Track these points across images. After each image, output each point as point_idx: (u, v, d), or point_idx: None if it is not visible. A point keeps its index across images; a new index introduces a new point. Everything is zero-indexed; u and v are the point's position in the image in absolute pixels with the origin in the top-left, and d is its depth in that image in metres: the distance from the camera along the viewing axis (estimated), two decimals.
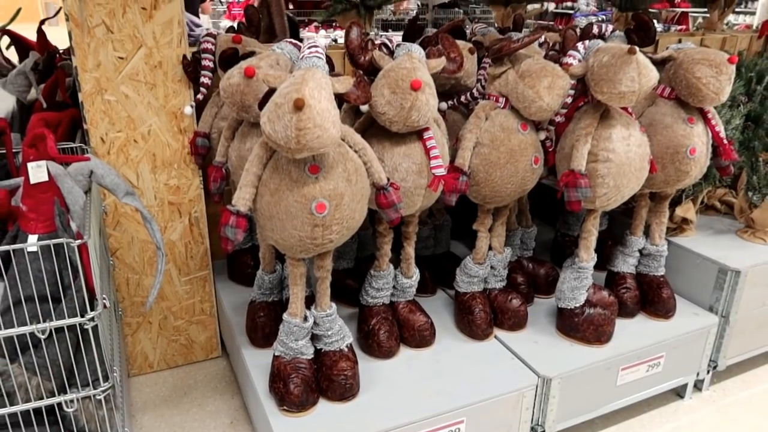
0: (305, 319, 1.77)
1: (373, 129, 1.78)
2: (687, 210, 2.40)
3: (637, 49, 1.71)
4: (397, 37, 2.41)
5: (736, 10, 8.91)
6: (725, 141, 2.05)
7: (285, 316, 1.76)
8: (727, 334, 2.32)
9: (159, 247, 1.71)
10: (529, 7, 3.15)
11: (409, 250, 2.00)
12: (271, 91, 1.48)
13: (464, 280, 2.12)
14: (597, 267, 2.32)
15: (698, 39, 3.40)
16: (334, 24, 6.86)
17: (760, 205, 2.36)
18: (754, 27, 6.14)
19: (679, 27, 5.97)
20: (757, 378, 2.52)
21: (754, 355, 2.51)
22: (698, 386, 2.43)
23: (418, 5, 8.09)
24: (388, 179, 1.66)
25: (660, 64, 2.04)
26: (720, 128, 2.06)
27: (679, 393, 2.40)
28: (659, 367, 2.17)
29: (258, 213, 1.59)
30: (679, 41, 3.22)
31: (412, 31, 2.35)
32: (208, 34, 2.15)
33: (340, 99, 1.56)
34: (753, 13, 10.27)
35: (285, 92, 1.38)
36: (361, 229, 2.03)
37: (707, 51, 1.93)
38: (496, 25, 2.89)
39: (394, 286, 2.03)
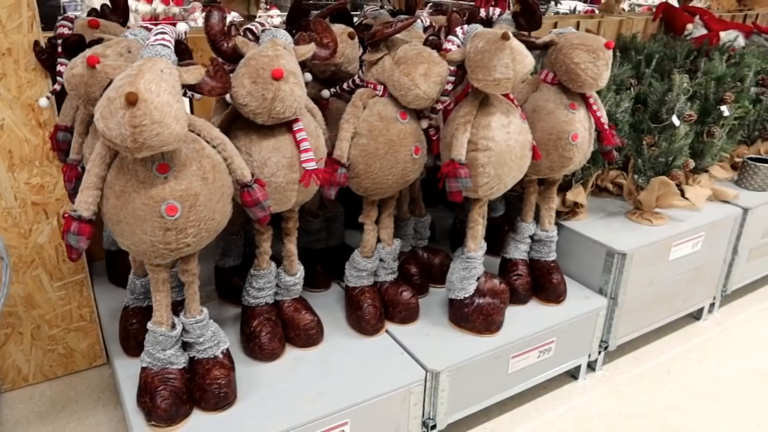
0: (173, 326, 1.65)
1: (239, 121, 1.66)
2: (578, 194, 2.41)
3: (511, 34, 1.67)
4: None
5: None
6: (606, 126, 2.06)
7: (149, 325, 1.63)
8: (617, 315, 2.36)
9: (1, 256, 1.54)
10: None
11: (290, 246, 1.90)
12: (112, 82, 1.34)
13: (353, 274, 2.05)
14: (494, 253, 2.32)
15: (596, 22, 3.44)
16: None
17: (645, 188, 2.40)
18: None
19: (586, 10, 6.08)
20: (648, 355, 2.60)
21: (644, 333, 2.58)
22: (592, 366, 2.47)
23: None
24: (253, 175, 1.56)
25: (543, 48, 2.02)
26: (602, 113, 2.06)
27: (573, 375, 2.43)
28: (550, 352, 2.19)
29: (105, 217, 1.45)
30: (578, 25, 3.24)
31: (297, 14, 2.22)
32: (64, 18, 1.95)
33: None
34: None
35: (118, 85, 1.25)
36: (248, 223, 1.92)
37: (585, 36, 1.92)
38: (385, 7, 2.80)
39: (277, 285, 1.94)
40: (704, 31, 3.58)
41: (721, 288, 2.78)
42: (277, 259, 1.94)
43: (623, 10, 4.60)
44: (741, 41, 3.40)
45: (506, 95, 1.89)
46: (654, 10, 3.78)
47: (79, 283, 2.24)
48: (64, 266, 2.20)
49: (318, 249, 2.31)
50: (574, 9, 6.12)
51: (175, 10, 6.15)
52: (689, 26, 3.60)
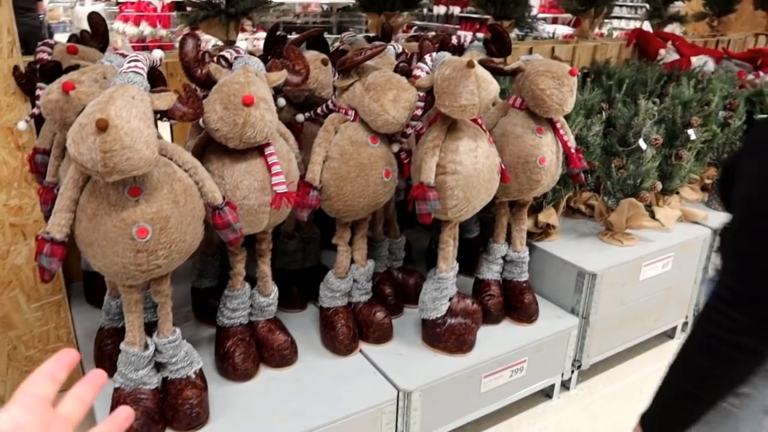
0: (145, 347, 1.67)
1: (212, 145, 1.70)
2: (549, 215, 2.47)
3: (476, 62, 1.73)
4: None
5: (623, 16, 9.40)
6: (573, 150, 2.12)
7: (122, 345, 1.66)
8: (589, 335, 2.40)
9: None
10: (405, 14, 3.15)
11: (264, 268, 1.93)
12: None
13: (327, 295, 2.08)
14: (468, 273, 2.36)
15: (571, 47, 3.53)
16: None
17: (615, 209, 2.46)
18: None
19: (564, 34, 6.23)
20: (621, 374, 2.64)
21: (617, 352, 2.62)
22: (566, 385, 2.50)
23: (322, 8, 8.04)
24: (224, 198, 1.60)
25: (511, 75, 2.08)
26: (569, 137, 2.13)
27: (547, 393, 2.46)
28: (523, 371, 2.22)
29: (77, 239, 1.48)
30: (552, 51, 3.32)
31: (273, 41, 2.28)
32: (43, 43, 2.00)
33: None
34: (639, 20, 10.90)
35: (89, 112, 1.29)
36: (224, 244, 1.95)
37: (551, 63, 1.99)
38: (363, 31, 2.87)
39: (252, 305, 1.97)
40: (676, 56, 3.68)
41: (693, 307, 2.83)
42: (252, 279, 1.97)
43: (602, 34, 4.71)
44: (711, 66, 3.50)
45: (474, 120, 1.94)
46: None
47: (56, 304, 2.26)
48: (42, 287, 2.22)
49: (294, 270, 2.34)
50: (554, 33, 6.26)
51: (163, 32, 6.24)
52: (662, 51, 3.71)
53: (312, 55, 2.00)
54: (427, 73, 1.88)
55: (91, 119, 1.26)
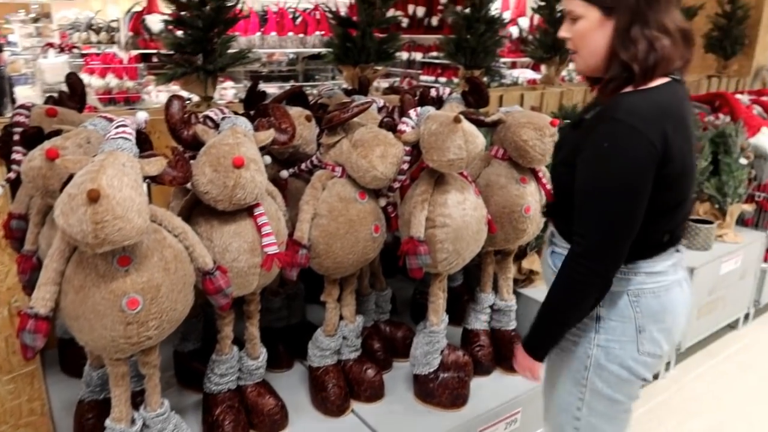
0: (132, 422, 1.59)
1: (200, 207, 1.67)
2: (532, 262, 2.48)
3: (462, 117, 1.76)
4: (271, 88, 2.33)
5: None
6: None
7: (108, 422, 1.57)
8: None
9: None
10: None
11: (253, 330, 1.88)
12: (72, 177, 1.34)
13: (316, 354, 2.03)
14: (454, 322, 2.34)
15: (539, 93, 3.63)
16: None
17: None
18: None
19: (528, 79, 6.43)
20: None
21: None
22: None
23: (288, 57, 8.11)
24: (215, 262, 1.56)
25: (492, 126, 2.12)
26: (551, 186, 2.16)
27: None
28: (517, 422, 2.19)
29: (62, 313, 1.42)
30: (522, 98, 3.41)
31: (254, 97, 2.29)
32: (20, 106, 1.95)
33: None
34: None
35: (79, 182, 1.25)
36: (208, 305, 1.90)
37: (531, 115, 2.03)
38: (342, 84, 2.90)
39: (240, 369, 1.90)
40: None
41: (675, 347, 2.86)
42: (238, 340, 1.91)
43: (563, 79, 4.85)
44: None
45: (460, 172, 1.96)
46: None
47: (29, 375, 2.15)
48: (14, 358, 2.11)
49: (279, 327, 2.28)
50: (518, 79, 6.45)
51: (129, 84, 6.19)
52: None
53: (296, 112, 2.00)
54: (413, 127, 1.90)
55: (81, 189, 1.23)
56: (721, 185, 3.12)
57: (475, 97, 2.30)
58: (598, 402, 1.52)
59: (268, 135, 1.70)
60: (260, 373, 1.93)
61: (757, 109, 3.72)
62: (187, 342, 2.12)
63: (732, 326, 3.29)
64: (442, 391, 2.03)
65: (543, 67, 7.69)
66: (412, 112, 1.93)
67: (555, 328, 1.45)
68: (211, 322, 2.16)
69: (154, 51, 6.62)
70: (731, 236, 3.08)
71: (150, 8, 6.49)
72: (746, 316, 3.34)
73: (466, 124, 1.76)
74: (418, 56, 9.45)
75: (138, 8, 6.88)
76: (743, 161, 3.13)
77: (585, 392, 1.51)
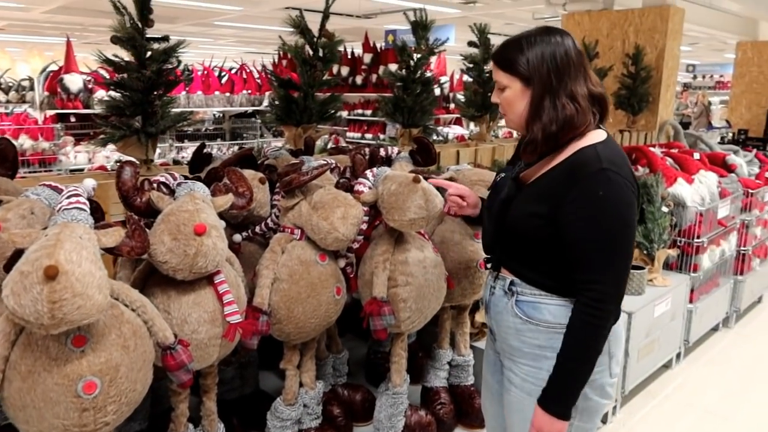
0: None
1: (155, 277, 1.58)
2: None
3: (421, 178, 1.78)
4: (191, 148, 2.27)
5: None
6: None
7: None
8: None
9: None
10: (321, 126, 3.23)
11: (210, 405, 1.77)
12: (20, 252, 1.24)
13: (276, 425, 1.94)
14: (411, 381, 2.30)
15: (473, 150, 3.77)
16: None
17: None
18: (514, 135, 7.11)
19: (456, 135, 6.69)
20: None
21: None
22: None
23: (214, 115, 8.04)
24: (176, 336, 1.47)
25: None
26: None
27: None
28: None
29: (5, 403, 1.28)
30: (458, 154, 3.51)
31: (200, 159, 2.23)
32: None
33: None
34: None
35: (33, 258, 1.16)
36: (155, 380, 1.77)
37: (481, 172, 2.10)
38: (287, 145, 2.89)
39: None
40: None
41: (620, 390, 2.95)
42: (192, 418, 1.79)
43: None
44: None
45: (418, 231, 1.98)
46: (515, 135, 4.22)
47: None
48: None
49: (232, 399, 2.16)
50: (447, 136, 6.67)
51: (45, 145, 5.89)
52: None
53: (249, 175, 1.96)
54: (370, 188, 1.90)
55: (36, 266, 1.13)
56: (648, 232, 3.31)
57: (423, 156, 2.35)
58: None
59: (227, 200, 1.66)
60: None
61: (669, 161, 4.02)
62: (132, 423, 1.96)
63: (666, 366, 3.44)
64: None
65: (465, 123, 8.00)
66: (368, 173, 1.94)
67: (581, 381, 1.40)
68: (158, 398, 2.02)
69: (72, 111, 6.39)
70: (660, 280, 3.26)
71: (68, 68, 6.29)
72: (678, 356, 3.51)
73: (425, 184, 1.79)
74: (344, 114, 9.61)
75: (54, 67, 6.64)
76: (665, 209, 3.35)
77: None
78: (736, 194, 3.97)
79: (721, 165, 4.39)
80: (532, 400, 1.46)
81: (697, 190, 3.63)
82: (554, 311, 1.43)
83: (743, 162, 4.53)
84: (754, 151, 5.15)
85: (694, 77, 19.03)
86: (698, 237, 3.47)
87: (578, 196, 1.34)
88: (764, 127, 9.00)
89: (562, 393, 1.40)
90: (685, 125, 8.63)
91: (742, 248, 4.07)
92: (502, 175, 1.58)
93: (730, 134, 9.44)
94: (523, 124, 1.44)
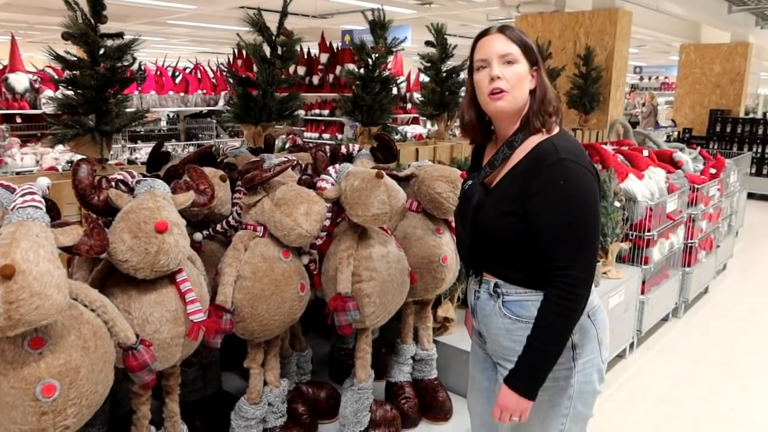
0: None
1: (115, 276, 1.55)
2: (447, 310, 2.55)
3: (384, 173, 1.80)
4: (145, 149, 2.23)
5: None
6: None
7: None
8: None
9: None
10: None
11: (173, 406, 1.74)
12: None
13: (240, 425, 1.92)
14: (375, 376, 2.31)
15: (431, 148, 3.81)
16: None
17: None
18: None
19: (414, 133, 6.74)
20: None
21: None
22: None
23: (168, 116, 7.88)
24: (137, 336, 1.44)
25: (404, 180, 2.19)
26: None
27: None
28: None
29: None
30: (417, 152, 3.55)
31: (157, 158, 2.19)
32: None
33: None
34: None
35: None
36: (114, 383, 1.74)
37: (443, 169, 2.13)
38: (246, 143, 2.86)
39: None
40: None
41: None
42: (152, 419, 1.75)
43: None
44: None
45: (381, 226, 1.99)
46: None
47: None
48: None
49: (194, 401, 2.13)
50: (406, 134, 6.71)
51: None
52: None
53: (210, 172, 1.94)
54: (332, 184, 1.91)
55: None
56: (601, 226, 3.42)
57: (384, 153, 2.36)
58: (576, 425, 1.54)
59: (188, 197, 1.63)
60: None
61: (620, 158, 4.16)
62: (91, 428, 1.90)
63: (620, 356, 3.56)
64: None
65: (422, 123, 8.08)
66: (330, 169, 1.94)
67: (551, 363, 1.42)
68: (117, 402, 1.98)
69: (18, 111, 6.16)
70: (614, 272, 3.37)
71: (13, 67, 6.07)
72: (631, 345, 3.63)
73: (388, 179, 1.80)
74: (300, 113, 9.56)
75: None
76: (617, 204, 3.46)
77: (566, 421, 1.52)
78: (683, 189, 4.14)
79: (668, 162, 4.57)
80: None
81: (647, 186, 3.76)
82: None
83: (689, 159, 4.72)
84: (698, 148, 5.38)
85: (641, 78, 19.70)
86: (649, 230, 3.61)
87: (540, 188, 1.38)
88: (707, 126, 9.40)
89: (531, 373, 1.42)
90: (633, 125, 8.94)
91: (689, 241, 4.24)
92: (469, 182, 1.61)
93: (676, 133, 9.82)
94: (521, 104, 1.46)
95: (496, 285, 1.51)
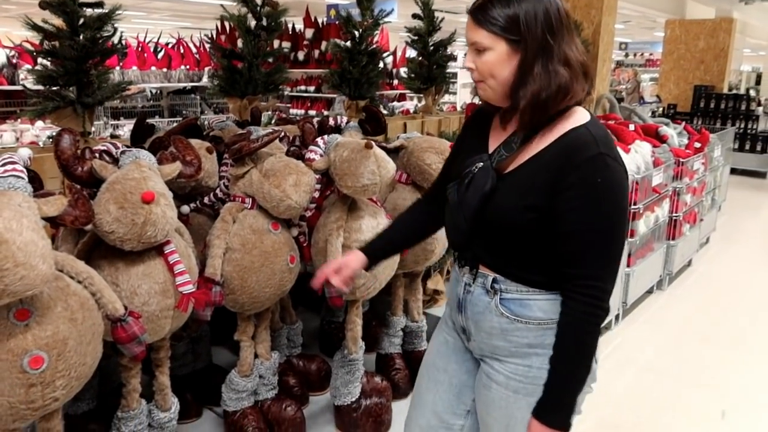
0: None
1: (101, 249, 1.52)
2: (437, 282, 2.55)
3: (374, 143, 1.78)
4: (128, 126, 2.20)
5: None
6: None
7: None
8: None
9: None
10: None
11: (163, 379, 1.73)
12: None
13: (232, 397, 1.92)
14: (366, 349, 2.32)
15: (419, 122, 3.79)
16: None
17: None
18: (458, 108, 7.19)
19: (402, 108, 6.70)
20: None
21: None
22: None
23: (151, 92, 7.73)
24: (126, 308, 1.42)
25: (393, 152, 2.17)
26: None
27: None
28: None
29: None
30: (405, 126, 3.53)
31: (141, 131, 2.15)
32: None
33: None
34: (455, 93, 12.12)
35: None
36: (103, 358, 1.72)
37: (432, 140, 2.11)
38: (231, 116, 2.82)
39: (150, 424, 1.74)
40: None
41: None
42: (145, 394, 1.75)
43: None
44: None
45: (370, 197, 1.98)
46: (458, 108, 4.27)
47: None
48: None
49: (185, 374, 2.12)
50: (393, 109, 6.67)
51: None
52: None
53: (196, 144, 1.90)
54: (321, 155, 1.89)
55: None
56: None
57: (372, 125, 2.33)
58: None
59: (174, 168, 1.61)
60: (173, 426, 1.78)
61: None
62: (80, 403, 1.90)
63: (607, 327, 3.61)
64: (365, 419, 2.00)
65: (409, 99, 8.00)
66: (319, 140, 1.92)
67: (580, 385, 1.25)
68: (106, 376, 1.97)
69: None
70: None
71: None
72: (616, 317, 3.68)
73: (378, 150, 1.78)
74: (286, 90, 9.44)
75: None
76: None
77: None
78: (669, 163, 4.16)
79: (654, 136, 4.58)
80: (518, 397, 1.30)
81: (633, 159, 3.77)
82: (544, 307, 1.27)
83: (674, 133, 4.74)
84: (683, 123, 5.40)
85: (626, 55, 19.70)
86: (635, 204, 3.63)
87: (574, 184, 1.19)
88: (691, 102, 9.45)
89: (562, 401, 1.25)
90: (619, 100, 8.96)
91: (674, 214, 4.28)
92: (479, 165, 1.33)
93: (660, 109, 9.86)
94: (507, 92, 1.24)
95: (494, 281, 1.32)
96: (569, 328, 1.24)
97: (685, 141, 4.90)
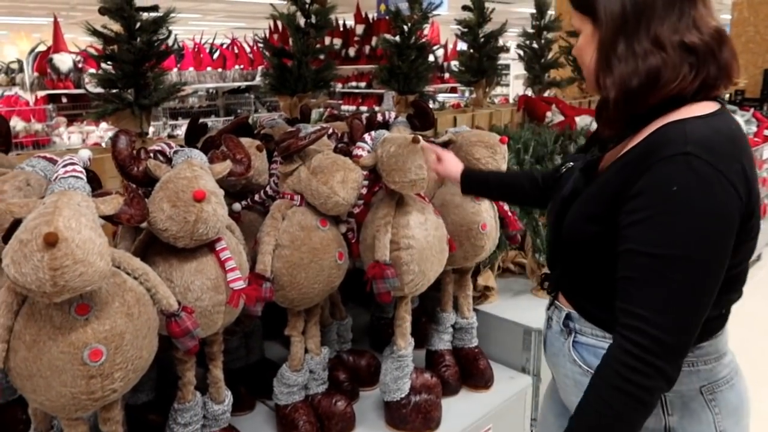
0: None
1: (156, 246, 1.57)
2: (487, 278, 2.52)
3: (421, 138, 1.76)
4: (185, 126, 2.27)
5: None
6: (509, 213, 2.20)
7: None
8: (541, 392, 2.43)
9: None
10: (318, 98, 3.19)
11: (217, 372, 1.78)
12: (18, 222, 1.22)
13: (283, 391, 1.95)
14: (415, 345, 2.31)
15: (470, 115, 3.74)
16: None
17: (546, 264, 2.56)
18: (510, 101, 7.06)
19: (452, 102, 6.64)
20: None
21: None
22: None
23: (207, 92, 7.96)
24: (180, 303, 1.46)
25: (442, 146, 2.14)
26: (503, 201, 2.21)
27: None
28: None
29: (12, 374, 1.28)
30: (455, 120, 3.49)
31: (195, 131, 2.20)
32: None
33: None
34: (507, 85, 11.91)
35: (32, 225, 1.14)
36: (161, 350, 1.78)
37: (482, 134, 2.08)
38: (282, 114, 2.86)
39: (204, 416, 1.79)
40: (561, 117, 4.01)
41: None
42: (200, 387, 1.80)
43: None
44: (594, 125, 3.84)
45: (418, 193, 1.96)
46: (511, 101, 4.18)
47: None
48: None
49: (238, 368, 2.17)
50: (443, 103, 6.62)
51: (37, 127, 5.83)
52: (548, 114, 4.03)
53: (246, 142, 1.94)
54: (369, 151, 1.89)
55: (35, 234, 1.12)
56: None
57: (421, 120, 2.32)
58: None
59: (225, 166, 1.64)
60: (226, 418, 1.82)
61: None
62: (140, 394, 1.96)
63: None
64: (415, 415, 1.99)
65: (460, 93, 7.93)
66: (366, 137, 1.92)
67: None
68: (163, 369, 2.03)
69: (64, 91, 6.31)
70: None
71: (57, 47, 6.21)
72: None
73: (425, 144, 1.77)
74: (338, 86, 9.52)
75: (42, 48, 6.55)
76: None
77: None
78: None
79: None
80: None
81: None
82: None
83: (742, 120, 4.51)
84: (752, 110, 5.13)
85: None
86: None
87: (643, 190, 0.96)
88: (761, 87, 8.95)
89: None
90: None
91: None
92: (569, 164, 1.21)
93: (727, 96, 9.39)
94: (593, 79, 1.07)
95: (568, 317, 1.14)
96: (596, 378, 0.98)
97: (754, 129, 4.66)
